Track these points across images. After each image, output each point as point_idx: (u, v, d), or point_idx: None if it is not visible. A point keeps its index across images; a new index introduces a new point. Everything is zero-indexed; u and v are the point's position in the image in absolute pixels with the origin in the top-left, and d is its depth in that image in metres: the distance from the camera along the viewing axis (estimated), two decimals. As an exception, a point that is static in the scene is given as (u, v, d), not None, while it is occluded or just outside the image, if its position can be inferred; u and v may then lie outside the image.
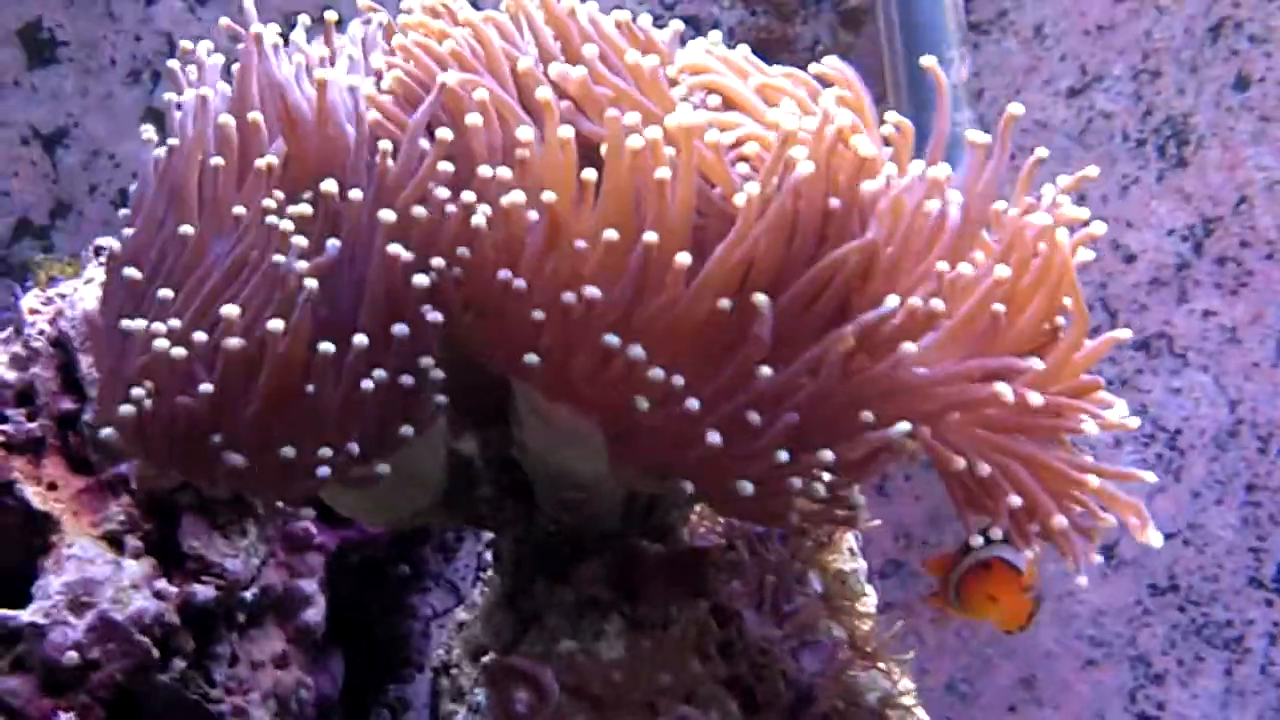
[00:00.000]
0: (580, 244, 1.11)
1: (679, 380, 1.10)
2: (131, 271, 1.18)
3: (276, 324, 1.10)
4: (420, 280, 1.12)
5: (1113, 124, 2.25)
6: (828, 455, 1.13)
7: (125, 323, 1.15)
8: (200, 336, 1.13)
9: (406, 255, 1.13)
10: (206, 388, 1.11)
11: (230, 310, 1.12)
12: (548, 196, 1.11)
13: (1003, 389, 1.14)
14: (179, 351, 1.12)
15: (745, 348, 1.11)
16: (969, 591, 1.32)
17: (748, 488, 1.12)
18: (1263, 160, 2.23)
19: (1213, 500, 2.29)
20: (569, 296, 1.10)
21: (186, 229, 1.18)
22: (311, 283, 1.11)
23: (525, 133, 1.16)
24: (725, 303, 1.11)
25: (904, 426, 1.13)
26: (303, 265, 1.12)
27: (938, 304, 1.13)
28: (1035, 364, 1.18)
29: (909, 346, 1.12)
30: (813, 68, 1.27)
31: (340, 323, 1.14)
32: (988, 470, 1.17)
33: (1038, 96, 2.26)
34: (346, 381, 1.11)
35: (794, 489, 1.13)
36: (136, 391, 1.13)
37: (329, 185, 1.17)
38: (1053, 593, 2.30)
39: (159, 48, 2.30)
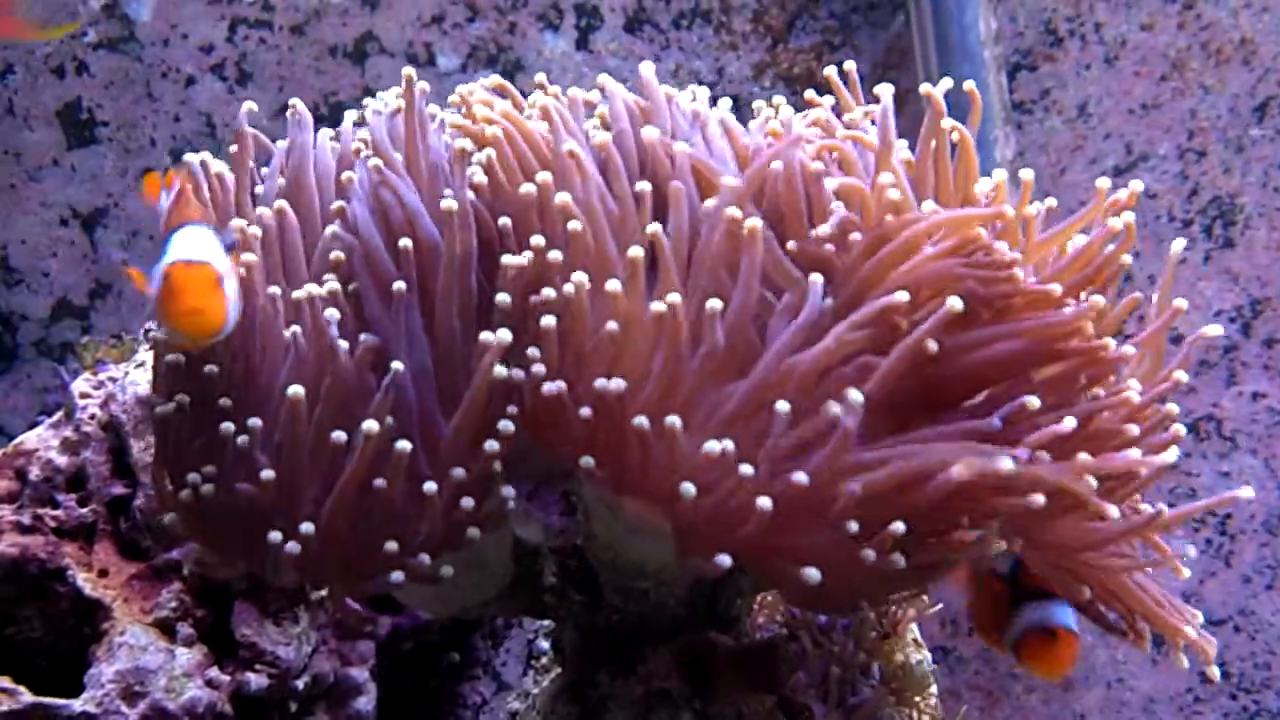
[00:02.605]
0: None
1: (729, 446, 1.08)
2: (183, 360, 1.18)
3: (371, 424, 1.09)
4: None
5: (1159, 204, 2.24)
6: (899, 526, 1.10)
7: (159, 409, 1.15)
8: (256, 422, 1.12)
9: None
10: (269, 474, 1.10)
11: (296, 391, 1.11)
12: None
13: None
14: (243, 439, 1.11)
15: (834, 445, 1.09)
16: (1031, 652, 1.32)
17: (814, 575, 1.09)
18: (1311, 240, 2.22)
19: (1263, 585, 2.26)
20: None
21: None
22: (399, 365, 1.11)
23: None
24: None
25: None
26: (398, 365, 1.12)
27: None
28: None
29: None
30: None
31: (416, 420, 1.13)
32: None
33: (1082, 176, 2.25)
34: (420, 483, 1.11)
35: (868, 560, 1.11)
36: (193, 476, 1.12)
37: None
38: (1103, 680, 2.26)
39: (199, 128, 2.29)
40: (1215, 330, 1.28)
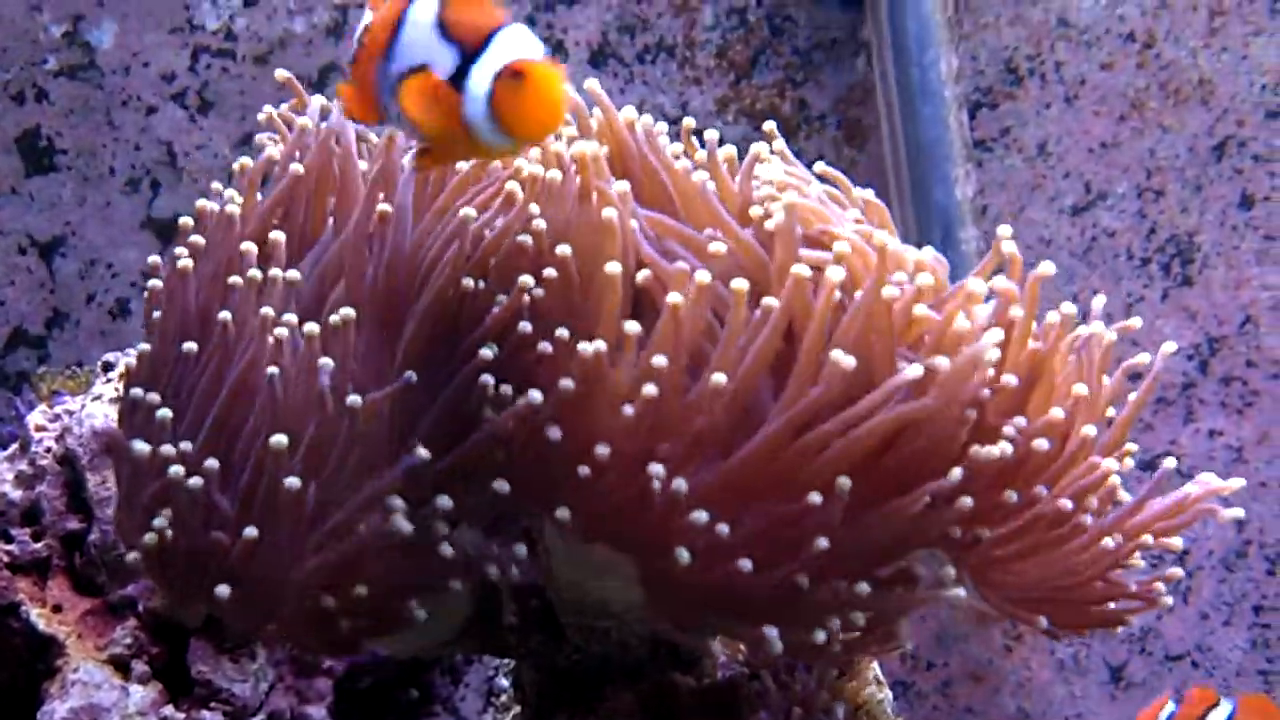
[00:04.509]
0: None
1: (723, 529, 1.08)
2: (148, 395, 1.16)
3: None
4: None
5: (1117, 242, 2.26)
6: (864, 588, 1.11)
7: (138, 444, 1.12)
8: (213, 464, 1.10)
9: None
10: (252, 533, 1.08)
11: (279, 442, 1.09)
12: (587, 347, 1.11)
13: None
14: (196, 481, 1.09)
15: (812, 524, 1.09)
16: None
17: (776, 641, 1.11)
18: (1268, 279, 2.23)
19: (1221, 622, 2.27)
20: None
21: (190, 347, 1.17)
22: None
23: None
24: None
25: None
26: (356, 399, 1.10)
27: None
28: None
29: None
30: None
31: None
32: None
33: (1041, 214, 2.26)
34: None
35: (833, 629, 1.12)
36: (158, 522, 1.10)
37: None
38: (1060, 715, 2.26)
39: (159, 156, 2.28)
40: (1100, 301, 1.30)
